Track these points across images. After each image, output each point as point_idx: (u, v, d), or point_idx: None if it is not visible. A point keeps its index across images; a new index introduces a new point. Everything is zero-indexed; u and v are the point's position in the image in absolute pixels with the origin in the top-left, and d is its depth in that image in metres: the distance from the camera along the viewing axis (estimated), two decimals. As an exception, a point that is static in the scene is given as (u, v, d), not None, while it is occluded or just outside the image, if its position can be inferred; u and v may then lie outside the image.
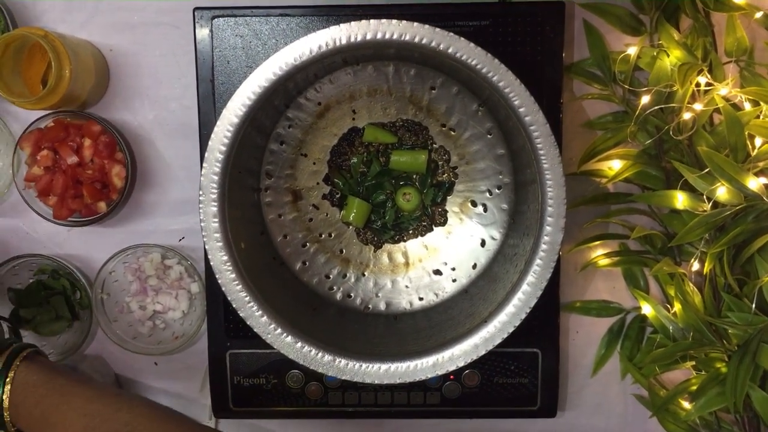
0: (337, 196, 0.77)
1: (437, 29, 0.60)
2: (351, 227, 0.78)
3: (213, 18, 0.74)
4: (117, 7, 0.81)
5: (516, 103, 0.61)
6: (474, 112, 0.74)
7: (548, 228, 0.62)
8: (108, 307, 0.83)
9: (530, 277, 0.63)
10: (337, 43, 0.60)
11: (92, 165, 0.78)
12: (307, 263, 0.77)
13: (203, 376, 0.86)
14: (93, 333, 0.85)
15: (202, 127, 0.76)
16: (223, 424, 0.87)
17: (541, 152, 0.61)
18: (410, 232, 0.78)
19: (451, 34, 0.60)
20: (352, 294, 0.77)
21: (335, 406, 0.80)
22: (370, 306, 0.77)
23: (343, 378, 0.64)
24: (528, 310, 0.63)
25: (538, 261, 0.62)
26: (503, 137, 0.74)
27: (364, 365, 0.64)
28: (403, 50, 0.65)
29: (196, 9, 0.74)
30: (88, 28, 0.82)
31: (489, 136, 0.74)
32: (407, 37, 0.60)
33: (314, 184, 0.77)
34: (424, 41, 0.60)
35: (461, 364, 0.64)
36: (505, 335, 0.63)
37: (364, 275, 0.78)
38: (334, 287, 0.77)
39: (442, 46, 0.60)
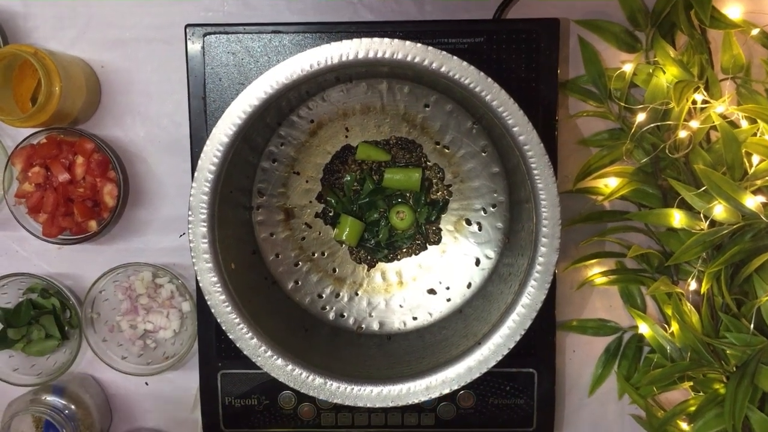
0: (330, 214, 0.76)
1: (430, 48, 0.59)
2: (344, 246, 0.77)
3: (205, 35, 0.73)
4: (108, 23, 0.81)
5: (510, 122, 0.60)
6: (468, 129, 0.73)
7: (543, 249, 0.61)
8: (98, 326, 0.82)
9: (525, 299, 0.62)
10: (330, 62, 0.60)
11: (84, 183, 0.78)
12: (299, 282, 0.76)
13: (195, 396, 0.85)
14: (83, 352, 0.83)
15: (193, 145, 0.75)
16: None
17: (536, 172, 0.60)
18: (404, 250, 0.77)
19: (444, 53, 0.59)
20: (345, 313, 0.76)
21: (328, 428, 0.79)
22: (363, 326, 0.76)
23: (335, 401, 0.63)
24: (523, 332, 0.62)
25: (532, 282, 0.61)
26: (498, 155, 0.73)
27: (356, 388, 0.63)
28: (396, 68, 0.64)
29: (187, 26, 0.74)
30: (80, 45, 0.81)
31: (483, 154, 0.73)
32: (400, 56, 0.59)
33: (307, 202, 0.76)
34: (416, 60, 0.59)
35: (455, 387, 0.63)
36: (500, 357, 0.62)
37: (357, 294, 0.77)
38: (327, 306, 0.76)
39: (434, 65, 0.59)
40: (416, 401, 0.62)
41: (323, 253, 0.77)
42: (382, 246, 0.76)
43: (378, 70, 0.69)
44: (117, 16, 0.80)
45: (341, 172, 0.76)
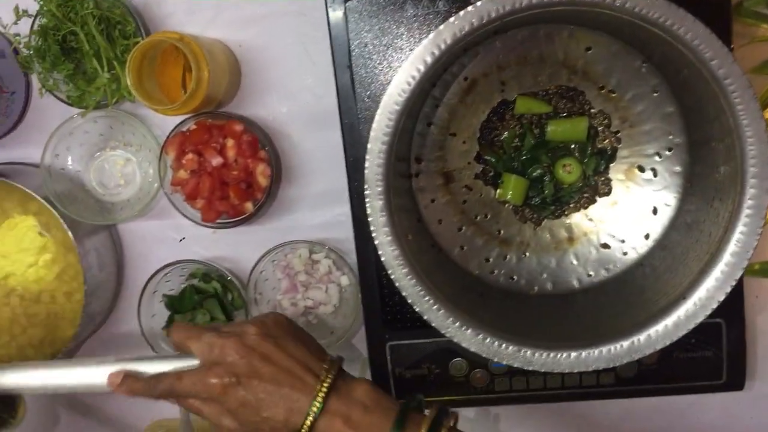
0: (491, 174, 0.73)
1: (613, -17, 0.54)
2: (507, 206, 0.74)
3: (346, 1, 0.70)
4: (241, 0, 0.79)
5: (707, 55, 0.55)
6: (636, 69, 0.68)
7: (752, 191, 0.56)
8: (261, 306, 0.82)
9: (733, 247, 0.57)
10: (501, 11, 0.56)
11: (236, 165, 0.77)
12: (464, 247, 0.73)
13: (360, 368, 0.84)
14: (249, 333, 0.84)
15: (343, 116, 0.72)
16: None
17: (740, 108, 0.55)
18: (571, 205, 0.73)
19: (628, -13, 0.54)
20: (514, 276, 0.73)
21: (502, 392, 0.77)
22: (535, 287, 0.73)
23: (531, 368, 0.60)
24: (734, 283, 0.57)
25: (741, 228, 0.56)
26: (672, 93, 0.67)
27: (552, 354, 0.60)
28: (561, 10, 0.60)
29: (327, -7, 0.71)
30: (215, 26, 0.80)
31: (655, 94, 0.68)
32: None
33: (465, 164, 0.73)
34: (598, -1, 0.54)
35: (659, 346, 0.59)
36: (708, 312, 0.58)
37: (525, 255, 0.73)
38: (495, 270, 0.73)
39: (618, 2, 0.54)
40: (619, 364, 0.59)
41: (486, 215, 0.73)
42: (548, 202, 0.72)
43: (537, 16, 0.64)
44: (250, -8, 0.78)
45: (499, 129, 0.72)
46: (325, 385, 0.58)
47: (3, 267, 0.83)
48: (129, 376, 0.61)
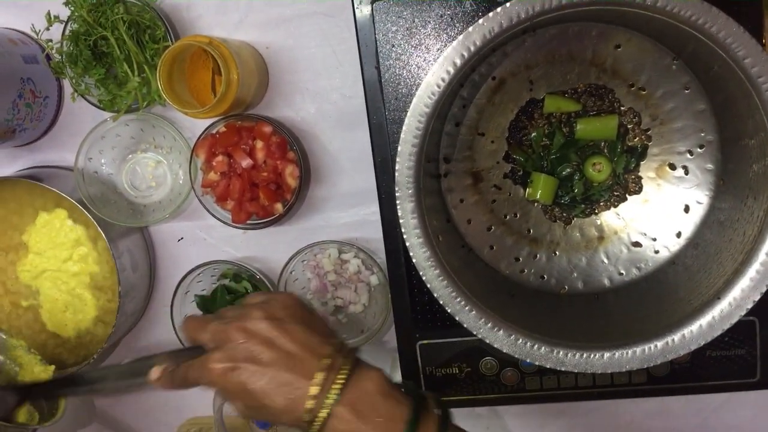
0: (520, 173, 0.73)
1: (644, -18, 0.54)
2: (536, 205, 0.73)
3: (373, 2, 0.70)
4: (269, 2, 0.79)
5: (740, 54, 0.54)
6: (667, 66, 0.67)
7: (787, 189, 0.55)
8: (292, 306, 0.83)
9: (769, 246, 0.56)
10: (530, 12, 0.55)
11: (266, 166, 0.78)
12: (494, 247, 0.73)
13: (390, 367, 0.85)
14: (279, 333, 0.85)
15: (371, 116, 0.73)
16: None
17: (775, 105, 0.54)
18: (601, 203, 0.72)
19: (661, -14, 0.54)
20: (545, 275, 0.73)
21: (533, 391, 0.77)
22: (566, 286, 0.73)
23: (564, 369, 0.60)
24: (769, 283, 0.56)
25: (777, 227, 0.56)
26: (703, 90, 0.67)
27: (585, 354, 0.60)
28: (591, 10, 0.59)
29: (355, -6, 0.71)
30: (243, 28, 0.81)
31: (686, 91, 0.67)
32: (608, -5, 0.54)
33: (494, 163, 0.73)
34: (628, -2, 0.54)
35: (694, 347, 0.58)
36: (743, 312, 0.57)
37: (555, 254, 0.73)
38: (525, 269, 0.73)
39: (660, 3, 0.53)
40: (653, 364, 0.59)
41: (515, 215, 0.73)
42: (577, 201, 0.72)
43: (566, 15, 0.64)
44: (277, -6, 0.79)
45: (528, 128, 0.72)
46: (336, 373, 0.54)
47: (38, 264, 0.85)
48: (165, 371, 0.60)
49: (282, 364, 0.55)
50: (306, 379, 0.54)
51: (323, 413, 0.53)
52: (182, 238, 0.86)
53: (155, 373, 0.60)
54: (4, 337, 0.78)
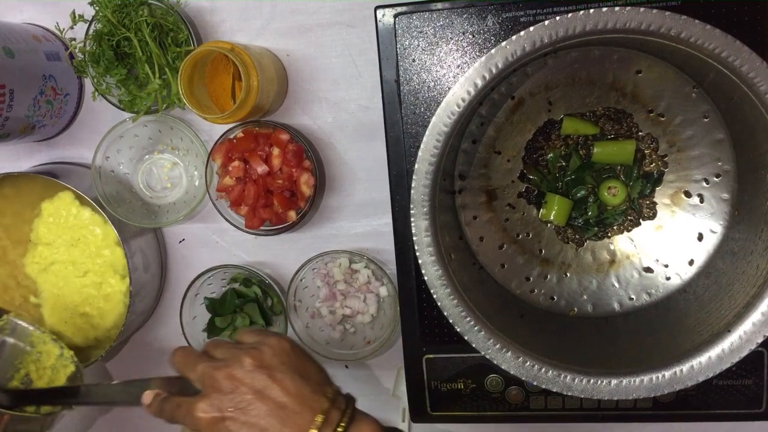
0: (534, 193, 0.73)
1: (668, 13, 0.54)
2: (549, 226, 0.74)
3: (396, 15, 0.70)
4: (292, 10, 0.80)
5: (762, 89, 0.54)
6: (687, 94, 0.67)
7: (805, 226, 0.55)
8: (300, 313, 0.83)
9: (784, 281, 0.56)
10: (554, 36, 0.56)
11: (281, 174, 0.78)
12: (505, 266, 0.73)
13: (395, 379, 0.85)
14: (286, 339, 0.85)
15: (388, 129, 0.73)
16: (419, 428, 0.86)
17: (796, 142, 0.54)
18: (615, 227, 0.72)
19: (684, 17, 0.54)
20: (555, 296, 0.73)
21: (537, 411, 0.77)
22: (575, 308, 0.73)
23: (570, 394, 0.60)
24: (783, 318, 0.56)
25: (792, 263, 0.56)
26: (723, 120, 0.66)
27: (592, 380, 0.60)
28: (617, 36, 0.59)
29: (377, 7, 0.71)
30: (265, 35, 0.81)
31: (705, 119, 0.67)
32: (633, 25, 0.54)
33: (509, 182, 0.73)
34: (652, 28, 0.54)
35: (702, 378, 0.58)
36: (753, 346, 0.57)
37: (566, 275, 0.73)
38: (536, 290, 0.73)
39: (673, 32, 0.54)
40: (660, 393, 0.59)
41: (528, 234, 0.73)
42: (591, 224, 0.72)
43: (589, 40, 0.64)
44: (301, 2, 0.79)
45: (544, 149, 0.72)
46: (331, 429, 0.52)
47: (47, 256, 0.85)
48: (156, 397, 0.59)
49: (273, 418, 0.52)
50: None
51: None
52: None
53: (147, 397, 0.59)
54: (31, 328, 0.79)
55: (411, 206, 0.60)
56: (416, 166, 0.60)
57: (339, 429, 0.52)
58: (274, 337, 0.58)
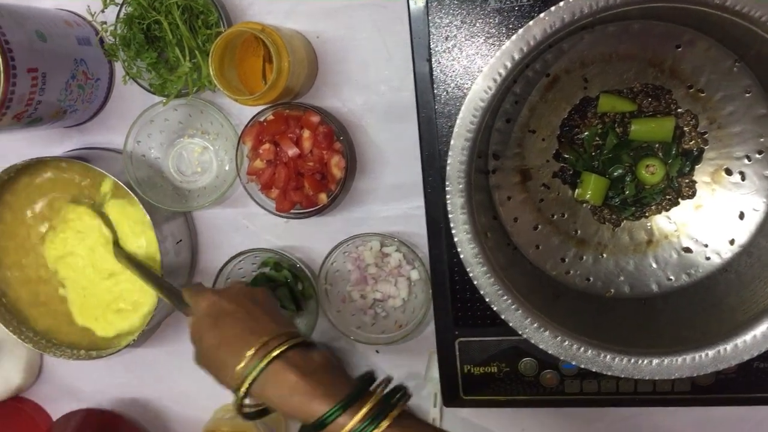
0: (570, 173, 0.72)
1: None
2: (585, 206, 0.72)
3: (428, -7, 0.69)
4: (321, -9, 0.79)
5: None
6: (728, 69, 0.65)
7: None
8: (332, 297, 0.83)
9: (831, 258, 0.54)
10: (594, 7, 0.54)
11: (312, 156, 0.77)
12: (540, 247, 0.72)
13: (427, 364, 0.84)
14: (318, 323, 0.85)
15: (420, 109, 0.72)
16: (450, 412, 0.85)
17: None
18: (653, 207, 0.71)
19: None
20: (591, 277, 0.72)
21: (572, 395, 0.75)
22: (612, 289, 0.71)
23: (611, 374, 0.59)
24: (831, 296, 0.55)
25: (841, 238, 0.54)
26: (765, 94, 0.65)
27: (633, 360, 0.59)
28: (654, 5, 0.58)
29: (409, -15, 0.70)
30: (294, 16, 0.80)
31: (747, 95, 0.66)
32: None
33: (544, 161, 0.72)
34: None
35: (746, 357, 0.57)
36: (801, 325, 0.56)
37: (602, 256, 0.72)
38: (571, 270, 0.72)
39: (729, 3, 0.52)
40: (703, 373, 0.57)
41: (563, 215, 0.72)
42: (628, 203, 0.71)
43: (628, 12, 0.63)
44: (330, -17, 0.78)
45: (580, 127, 0.71)
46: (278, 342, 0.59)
47: (77, 255, 0.86)
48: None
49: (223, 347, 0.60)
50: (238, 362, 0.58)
51: (254, 373, 0.57)
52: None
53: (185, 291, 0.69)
54: None
55: (447, 183, 0.59)
56: (452, 142, 0.59)
57: (275, 351, 0.57)
58: (235, 286, 0.69)
